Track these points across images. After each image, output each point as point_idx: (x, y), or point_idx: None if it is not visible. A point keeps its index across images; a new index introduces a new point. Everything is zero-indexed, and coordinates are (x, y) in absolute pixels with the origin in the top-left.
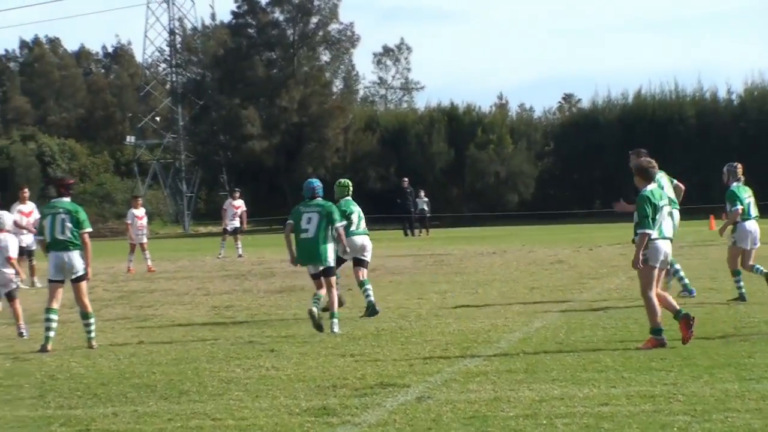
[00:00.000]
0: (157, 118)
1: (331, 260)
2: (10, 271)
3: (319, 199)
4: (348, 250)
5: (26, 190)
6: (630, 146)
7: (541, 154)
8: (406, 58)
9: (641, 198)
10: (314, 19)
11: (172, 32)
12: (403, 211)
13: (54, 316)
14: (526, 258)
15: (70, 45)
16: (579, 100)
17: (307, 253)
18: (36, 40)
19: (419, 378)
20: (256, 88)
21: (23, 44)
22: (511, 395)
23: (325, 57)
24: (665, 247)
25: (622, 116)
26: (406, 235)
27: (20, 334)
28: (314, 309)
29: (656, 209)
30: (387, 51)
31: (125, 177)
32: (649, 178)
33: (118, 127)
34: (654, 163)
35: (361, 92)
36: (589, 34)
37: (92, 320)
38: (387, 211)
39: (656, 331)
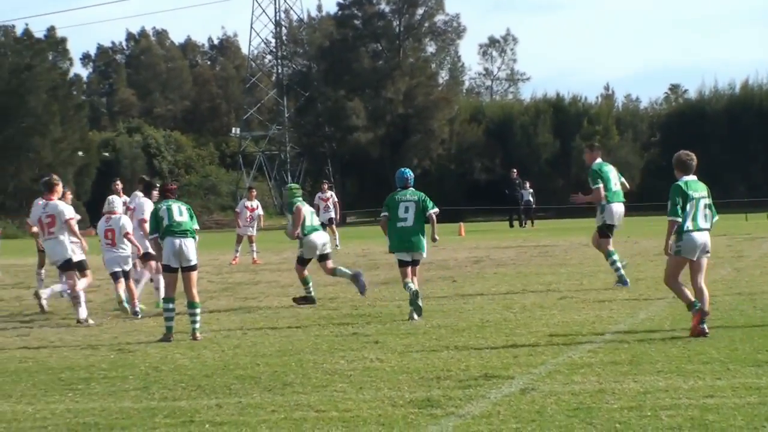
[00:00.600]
0: (263, 110)
1: (425, 249)
2: (125, 250)
3: (412, 188)
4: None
5: (119, 182)
6: (737, 136)
7: (647, 144)
8: (512, 49)
9: (673, 188)
10: (420, 11)
11: (278, 24)
12: (511, 201)
13: (173, 305)
14: (631, 249)
15: (177, 37)
16: (685, 90)
17: (405, 241)
18: (143, 33)
19: (523, 369)
20: (361, 79)
21: (130, 36)
22: (615, 387)
23: (431, 48)
24: (702, 238)
25: (728, 107)
26: (511, 226)
27: (134, 313)
28: (413, 288)
29: (687, 199)
30: (493, 42)
31: (230, 169)
32: (686, 169)
33: (223, 119)
34: (692, 155)
35: (467, 83)
36: (696, 25)
37: (198, 311)
38: (492, 202)
39: (690, 305)
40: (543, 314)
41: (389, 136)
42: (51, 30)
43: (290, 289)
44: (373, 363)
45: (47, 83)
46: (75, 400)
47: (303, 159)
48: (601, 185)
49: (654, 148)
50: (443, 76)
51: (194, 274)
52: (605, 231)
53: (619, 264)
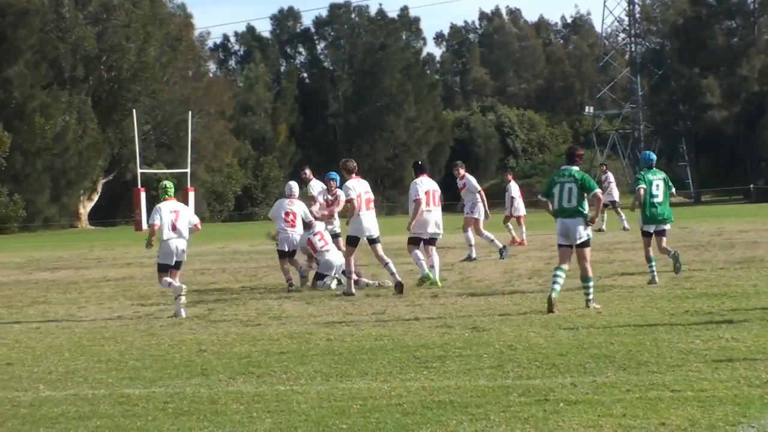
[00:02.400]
0: (616, 88)
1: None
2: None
3: (655, 168)
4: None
5: (307, 170)
6: None
7: None
8: None
9: None
10: None
11: (631, 2)
12: None
13: (561, 273)
14: None
15: (530, 16)
16: None
17: (659, 215)
18: (496, 12)
19: None
20: (715, 57)
21: (483, 15)
22: None
23: None
24: None
25: None
26: None
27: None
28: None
29: None
30: None
31: (584, 147)
32: None
33: (576, 98)
34: None
35: None
36: None
37: (591, 284)
38: None
39: None
40: None
41: (744, 114)
42: (404, 10)
43: (644, 267)
44: (729, 342)
45: (401, 63)
46: (430, 378)
47: (657, 137)
48: None
49: None
50: None
51: (586, 250)
52: None
53: None
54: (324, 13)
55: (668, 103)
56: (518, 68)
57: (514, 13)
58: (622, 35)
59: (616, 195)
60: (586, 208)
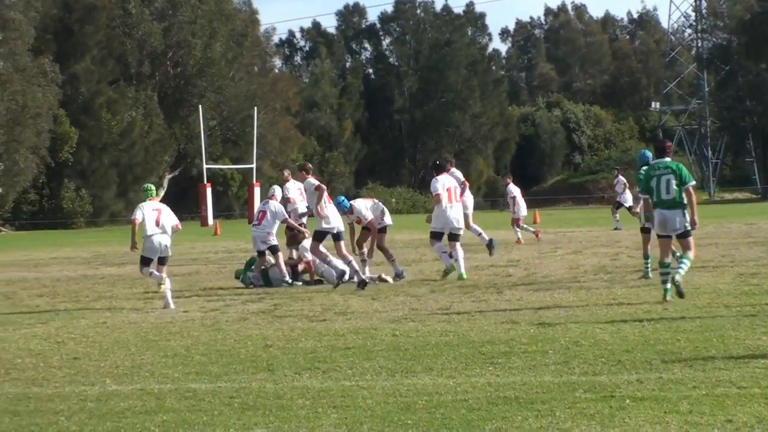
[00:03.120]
0: (683, 84)
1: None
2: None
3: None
4: None
5: (286, 171)
6: None
7: None
8: None
9: None
10: None
11: None
12: None
13: (668, 270)
14: None
15: (596, 11)
16: None
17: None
18: (562, 7)
19: None
20: None
21: (548, 11)
22: None
23: None
24: None
25: None
26: None
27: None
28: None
29: None
30: None
31: (650, 143)
32: None
33: (642, 93)
34: None
35: None
36: None
37: (687, 261)
38: None
39: None
40: None
41: None
42: (470, 5)
43: (710, 264)
44: None
45: (466, 58)
46: (495, 374)
47: (723, 133)
48: None
49: None
50: None
51: (690, 240)
52: None
53: None
54: (389, 8)
55: (735, 98)
56: (584, 64)
57: (580, 9)
58: (689, 31)
59: (629, 199)
60: (685, 199)
